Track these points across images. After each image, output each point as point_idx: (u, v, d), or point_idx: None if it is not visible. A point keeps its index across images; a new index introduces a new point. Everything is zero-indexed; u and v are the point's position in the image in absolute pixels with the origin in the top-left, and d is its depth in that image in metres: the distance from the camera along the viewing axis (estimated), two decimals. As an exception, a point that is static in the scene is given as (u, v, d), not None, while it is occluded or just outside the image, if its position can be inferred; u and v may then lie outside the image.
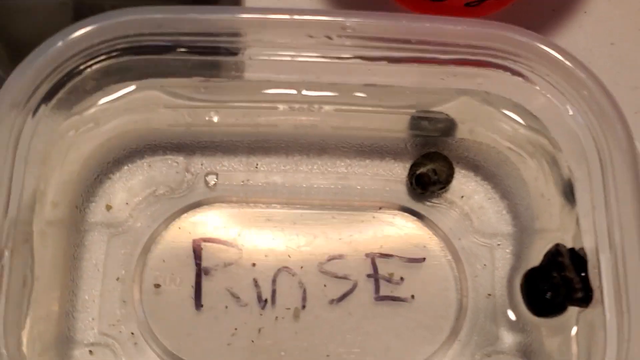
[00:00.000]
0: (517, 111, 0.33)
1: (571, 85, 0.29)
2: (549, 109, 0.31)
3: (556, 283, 0.29)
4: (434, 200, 0.36)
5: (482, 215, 0.35)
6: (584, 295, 0.28)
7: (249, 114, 0.35)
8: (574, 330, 0.30)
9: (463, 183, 0.36)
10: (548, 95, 0.31)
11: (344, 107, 0.34)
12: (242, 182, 0.35)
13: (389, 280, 0.34)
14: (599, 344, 0.28)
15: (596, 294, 0.28)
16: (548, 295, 0.29)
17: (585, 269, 0.29)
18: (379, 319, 0.34)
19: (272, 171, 0.35)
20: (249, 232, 0.35)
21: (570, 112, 0.30)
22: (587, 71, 0.29)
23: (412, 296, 0.34)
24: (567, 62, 0.30)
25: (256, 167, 0.35)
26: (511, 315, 0.33)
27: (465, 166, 0.36)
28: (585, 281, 0.29)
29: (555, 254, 0.29)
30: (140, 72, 0.31)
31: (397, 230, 0.35)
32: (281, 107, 0.34)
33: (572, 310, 0.30)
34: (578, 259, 0.29)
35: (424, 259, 0.35)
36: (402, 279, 0.34)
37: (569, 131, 0.30)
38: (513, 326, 0.33)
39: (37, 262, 0.30)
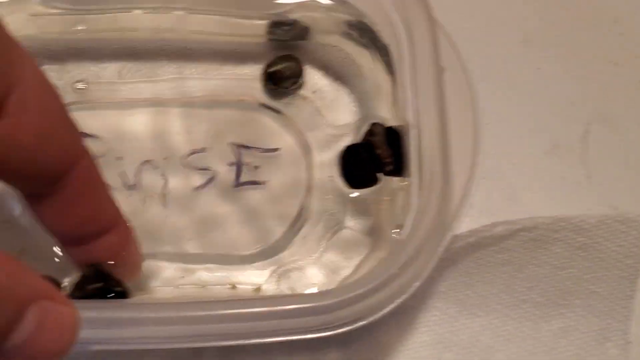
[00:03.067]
0: (347, 10, 0.36)
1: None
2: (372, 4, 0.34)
3: (364, 158, 0.32)
4: (290, 97, 0.39)
5: (333, 109, 0.39)
6: (394, 168, 0.32)
7: (111, 20, 0.38)
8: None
9: (316, 82, 0.40)
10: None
11: (197, 12, 0.37)
12: (110, 85, 0.38)
13: (247, 168, 0.38)
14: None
15: (406, 166, 0.32)
16: (358, 169, 0.32)
17: (398, 145, 0.32)
18: (238, 203, 0.37)
19: (138, 74, 0.39)
20: (115, 129, 0.38)
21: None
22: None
23: (266, 182, 0.38)
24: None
25: (123, 72, 0.38)
26: (350, 194, 0.37)
27: (317, 67, 0.40)
28: (398, 155, 0.32)
29: (369, 134, 0.33)
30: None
31: (255, 125, 0.39)
32: (137, 12, 0.37)
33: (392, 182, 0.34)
34: (394, 135, 0.33)
35: (278, 149, 0.38)
36: (255, 167, 0.38)
37: (388, 20, 0.34)
38: (355, 204, 0.37)
39: None
